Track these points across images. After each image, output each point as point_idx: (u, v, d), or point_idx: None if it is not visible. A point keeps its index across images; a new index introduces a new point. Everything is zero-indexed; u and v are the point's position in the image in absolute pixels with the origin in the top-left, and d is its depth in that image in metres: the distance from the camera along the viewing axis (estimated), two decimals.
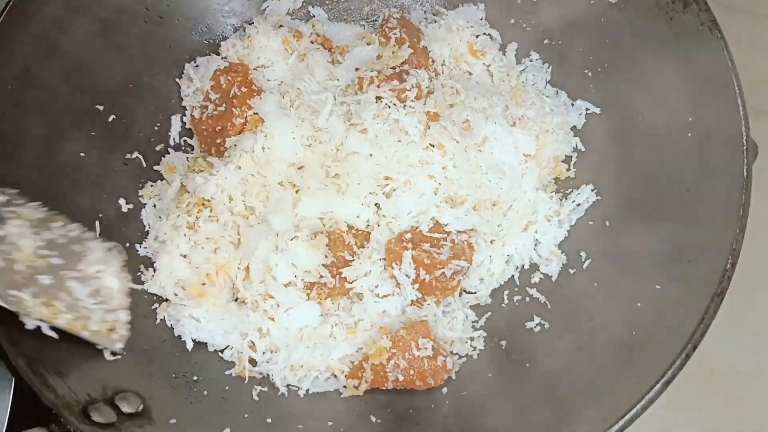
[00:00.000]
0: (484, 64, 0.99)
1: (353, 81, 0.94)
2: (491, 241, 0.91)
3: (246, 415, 0.79)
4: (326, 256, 0.86)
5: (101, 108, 0.90)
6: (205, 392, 0.80)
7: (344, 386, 0.84)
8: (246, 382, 0.83)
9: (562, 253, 0.89)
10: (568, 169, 0.93)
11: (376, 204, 0.88)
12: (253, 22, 1.00)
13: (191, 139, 0.98)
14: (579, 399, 0.74)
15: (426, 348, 0.83)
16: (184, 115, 0.97)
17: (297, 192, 0.89)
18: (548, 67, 0.98)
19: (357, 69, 0.96)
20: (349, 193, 0.87)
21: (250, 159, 0.88)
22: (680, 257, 0.77)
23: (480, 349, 0.86)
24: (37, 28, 0.84)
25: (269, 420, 0.80)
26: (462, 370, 0.85)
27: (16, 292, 0.69)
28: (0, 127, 0.79)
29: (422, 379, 0.82)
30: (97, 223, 0.85)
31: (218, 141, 0.94)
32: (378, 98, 0.89)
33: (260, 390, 0.83)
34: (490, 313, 0.89)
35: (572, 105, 0.95)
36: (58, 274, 0.73)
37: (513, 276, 0.91)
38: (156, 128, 0.96)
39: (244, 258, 0.86)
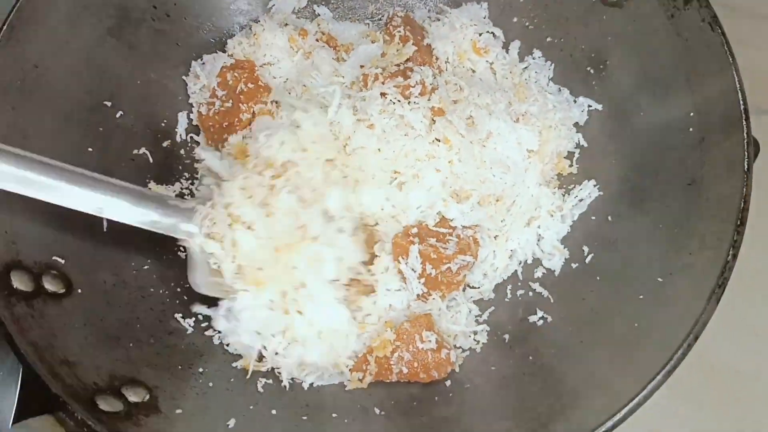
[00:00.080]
0: (487, 61, 1.00)
1: (358, 78, 0.95)
2: (495, 237, 0.91)
3: (251, 407, 0.80)
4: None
5: (109, 104, 0.91)
6: (211, 384, 0.81)
7: (348, 379, 0.84)
8: (249, 376, 0.84)
9: (564, 247, 0.90)
10: (571, 165, 0.94)
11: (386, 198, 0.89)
12: (259, 21, 1.02)
13: (197, 135, 0.99)
14: (580, 391, 0.75)
15: (430, 341, 0.83)
16: (191, 112, 0.99)
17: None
18: (550, 65, 0.98)
19: (362, 66, 0.97)
20: (366, 186, 0.87)
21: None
22: (681, 250, 0.77)
23: (483, 343, 0.87)
24: (47, 25, 0.85)
25: (274, 411, 0.80)
26: (465, 363, 0.85)
27: None
28: (9, 120, 0.80)
29: (426, 372, 0.83)
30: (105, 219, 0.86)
31: (225, 137, 0.95)
32: (383, 94, 0.90)
33: (265, 382, 0.83)
34: (493, 307, 0.90)
35: (574, 102, 0.95)
36: None
37: (516, 271, 0.92)
38: (163, 124, 0.97)
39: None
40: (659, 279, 0.77)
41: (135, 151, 0.93)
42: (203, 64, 0.99)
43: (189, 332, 0.85)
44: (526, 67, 1.00)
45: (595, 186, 0.91)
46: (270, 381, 0.84)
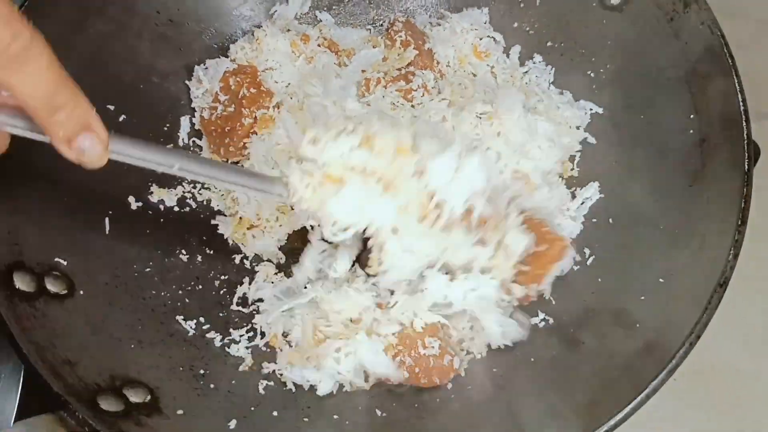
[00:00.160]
0: (488, 65, 1.00)
1: (360, 82, 0.96)
2: None
3: (252, 408, 0.80)
4: None
5: (112, 108, 0.91)
6: (212, 386, 0.81)
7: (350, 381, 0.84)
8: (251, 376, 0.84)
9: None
10: (572, 168, 0.94)
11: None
12: (261, 26, 1.02)
13: (200, 139, 0.99)
14: (581, 393, 0.74)
15: (433, 347, 0.83)
16: (193, 116, 0.99)
17: None
18: (551, 69, 0.99)
19: (363, 71, 0.98)
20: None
21: None
22: (683, 250, 0.78)
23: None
24: (50, 29, 0.84)
25: (275, 413, 0.80)
26: (467, 366, 0.85)
27: None
28: None
29: (428, 377, 0.83)
30: (106, 220, 0.87)
31: (227, 141, 0.96)
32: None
33: (266, 384, 0.83)
34: None
35: (576, 105, 0.96)
36: None
37: None
38: (165, 129, 0.97)
39: None
40: (661, 280, 0.78)
41: None
42: (206, 68, 1.00)
43: (190, 334, 0.85)
44: (526, 72, 1.00)
45: (594, 190, 0.91)
46: (272, 383, 0.84)
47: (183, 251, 0.92)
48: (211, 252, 0.94)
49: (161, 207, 0.93)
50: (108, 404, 0.70)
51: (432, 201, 0.70)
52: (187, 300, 0.88)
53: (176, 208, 0.94)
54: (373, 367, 0.82)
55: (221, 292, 0.91)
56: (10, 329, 0.70)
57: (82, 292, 0.79)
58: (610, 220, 0.88)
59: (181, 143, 0.98)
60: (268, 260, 0.93)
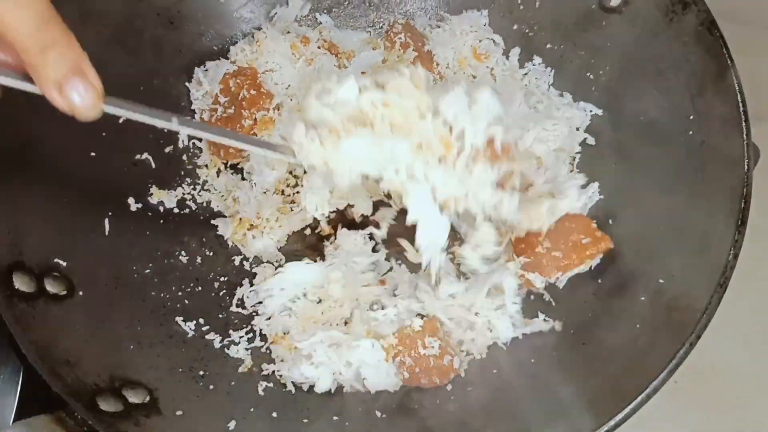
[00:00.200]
0: (487, 67, 1.00)
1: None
2: None
3: (252, 409, 0.80)
4: None
5: None
6: (211, 386, 0.81)
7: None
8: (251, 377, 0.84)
9: None
10: (572, 170, 0.94)
11: None
12: (261, 28, 1.03)
13: (200, 141, 0.99)
14: (583, 392, 0.74)
15: (432, 347, 0.83)
16: (193, 118, 0.99)
17: None
18: (551, 71, 0.99)
19: (363, 73, 0.98)
20: None
21: None
22: (683, 251, 0.78)
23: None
24: None
25: (275, 414, 0.80)
26: (467, 367, 0.85)
27: None
28: (14, 122, 0.80)
29: (428, 377, 0.83)
30: (106, 221, 0.87)
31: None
32: None
33: (266, 385, 0.83)
34: None
35: (576, 107, 0.96)
36: None
37: None
38: (165, 130, 0.97)
39: None
40: (661, 281, 0.78)
41: (137, 156, 0.93)
42: (206, 70, 1.00)
43: (190, 335, 0.85)
44: (526, 73, 1.00)
45: (594, 192, 0.91)
46: (271, 384, 0.83)
47: (183, 252, 0.92)
48: (211, 253, 0.94)
49: (161, 208, 0.93)
50: (107, 404, 0.70)
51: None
52: (186, 301, 0.88)
53: (176, 210, 0.94)
54: (370, 378, 0.82)
55: (221, 293, 0.91)
56: (10, 329, 0.70)
57: (81, 293, 0.79)
58: (610, 221, 0.88)
59: (180, 145, 0.98)
60: (268, 262, 0.93)
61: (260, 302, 0.89)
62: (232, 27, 1.03)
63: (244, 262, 0.94)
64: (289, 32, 1.02)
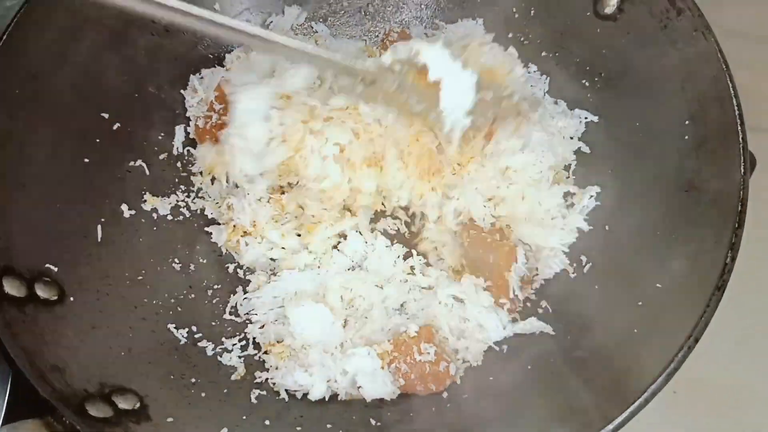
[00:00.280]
0: None
1: None
2: None
3: (244, 417, 0.79)
4: None
5: (107, 116, 0.91)
6: (203, 394, 0.80)
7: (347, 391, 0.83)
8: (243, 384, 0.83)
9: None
10: (568, 177, 0.94)
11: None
12: None
13: (194, 148, 0.98)
14: (580, 397, 0.73)
15: (428, 353, 0.82)
16: (188, 125, 0.99)
17: None
18: (546, 78, 0.99)
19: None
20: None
21: None
22: (680, 255, 0.77)
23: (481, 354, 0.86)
24: (46, 37, 0.85)
25: (267, 422, 0.79)
26: (463, 375, 0.84)
27: None
28: (7, 128, 0.80)
29: (424, 384, 0.82)
30: (99, 227, 0.86)
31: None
32: None
33: (259, 393, 0.82)
34: None
35: (571, 114, 0.96)
36: None
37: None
38: (160, 137, 0.97)
39: None
40: (658, 285, 0.77)
41: (131, 163, 0.93)
42: (201, 78, 1.00)
43: (182, 343, 0.84)
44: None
45: (591, 197, 0.90)
46: (264, 392, 0.82)
47: (176, 260, 0.91)
48: (205, 261, 0.93)
49: (154, 215, 0.92)
50: (96, 410, 0.69)
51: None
52: (179, 308, 0.87)
53: (170, 217, 0.93)
54: (366, 385, 0.81)
55: (214, 300, 0.90)
56: None
57: (72, 299, 0.78)
58: (607, 227, 0.88)
59: (175, 152, 0.97)
60: (261, 270, 0.92)
61: (253, 310, 0.89)
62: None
63: (238, 270, 0.93)
64: None
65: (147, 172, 0.94)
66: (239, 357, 0.85)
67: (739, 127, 0.77)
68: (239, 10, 1.03)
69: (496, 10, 1.01)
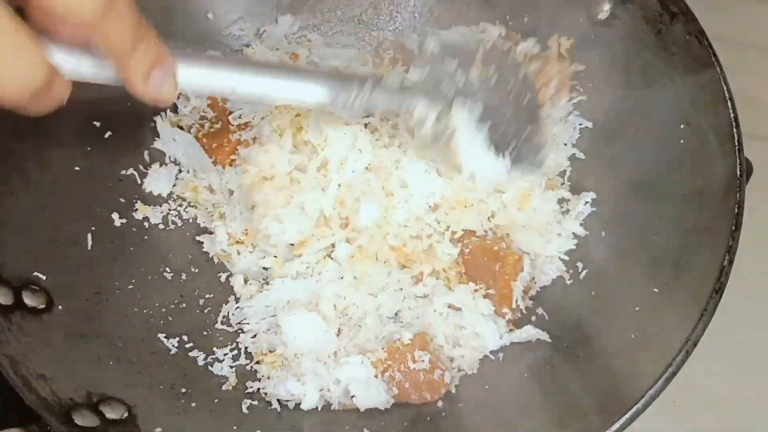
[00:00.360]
0: None
1: None
2: None
3: (235, 428, 0.77)
4: None
5: (98, 124, 0.91)
6: (193, 404, 0.78)
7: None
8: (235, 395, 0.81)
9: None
10: (563, 184, 0.93)
11: None
12: (250, 45, 1.03)
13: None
14: (577, 405, 0.72)
15: (423, 361, 0.81)
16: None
17: None
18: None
19: None
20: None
21: None
22: (677, 261, 0.76)
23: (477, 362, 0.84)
24: None
25: None
26: (458, 383, 0.82)
27: None
28: None
29: (418, 393, 0.80)
30: (89, 235, 0.85)
31: (213, 159, 0.95)
32: None
33: (250, 403, 0.80)
34: None
35: (565, 120, 0.95)
36: None
37: None
38: (152, 146, 0.96)
39: None
40: (655, 290, 0.76)
41: (123, 172, 0.92)
42: None
43: (172, 352, 0.82)
44: None
45: (586, 203, 0.90)
46: (256, 402, 0.81)
47: (167, 269, 0.90)
48: (196, 270, 0.91)
49: (146, 224, 0.91)
50: (82, 419, 0.68)
51: None
52: (170, 318, 0.86)
53: (161, 226, 0.92)
54: (359, 395, 0.80)
55: (206, 310, 0.89)
56: None
57: (60, 307, 0.77)
58: (603, 233, 0.87)
59: (167, 161, 0.96)
60: (254, 279, 0.91)
61: (245, 319, 0.87)
62: (221, 44, 1.03)
63: (230, 279, 0.92)
64: (278, 49, 1.02)
65: (139, 181, 0.93)
66: (231, 367, 0.83)
67: (735, 131, 0.76)
68: (233, 19, 1.03)
69: (490, 16, 1.01)
